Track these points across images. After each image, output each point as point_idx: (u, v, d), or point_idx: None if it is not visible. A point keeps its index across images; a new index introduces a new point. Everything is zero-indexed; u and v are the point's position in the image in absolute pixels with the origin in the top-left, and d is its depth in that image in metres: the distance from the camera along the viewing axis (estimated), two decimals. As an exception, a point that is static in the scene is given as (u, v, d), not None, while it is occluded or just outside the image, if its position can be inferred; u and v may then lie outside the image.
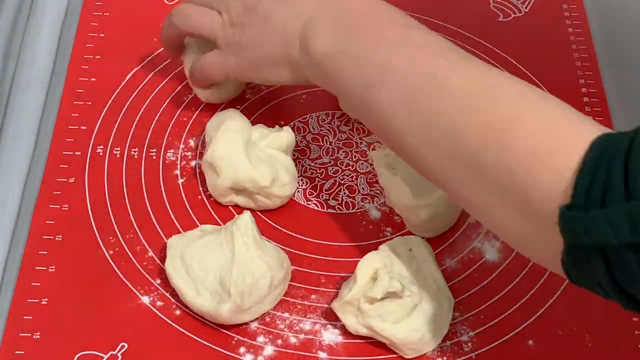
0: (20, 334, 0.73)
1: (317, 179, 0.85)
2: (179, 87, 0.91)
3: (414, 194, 0.77)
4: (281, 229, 0.81)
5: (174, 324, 0.75)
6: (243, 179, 0.79)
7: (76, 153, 0.85)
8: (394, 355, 0.73)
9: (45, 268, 0.77)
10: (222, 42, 0.80)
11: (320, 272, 0.78)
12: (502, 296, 0.77)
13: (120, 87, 0.90)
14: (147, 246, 0.79)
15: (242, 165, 0.79)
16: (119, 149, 0.86)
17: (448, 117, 0.63)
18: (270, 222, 0.81)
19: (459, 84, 0.64)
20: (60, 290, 0.76)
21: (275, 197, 0.80)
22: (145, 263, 0.78)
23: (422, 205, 0.77)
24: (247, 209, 0.81)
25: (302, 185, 0.84)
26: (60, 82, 0.91)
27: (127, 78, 0.91)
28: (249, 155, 0.79)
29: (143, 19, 0.96)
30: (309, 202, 0.83)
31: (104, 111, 0.88)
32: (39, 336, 0.73)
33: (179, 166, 0.85)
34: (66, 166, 0.84)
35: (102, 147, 0.86)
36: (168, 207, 0.82)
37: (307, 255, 0.79)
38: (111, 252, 0.79)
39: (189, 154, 0.86)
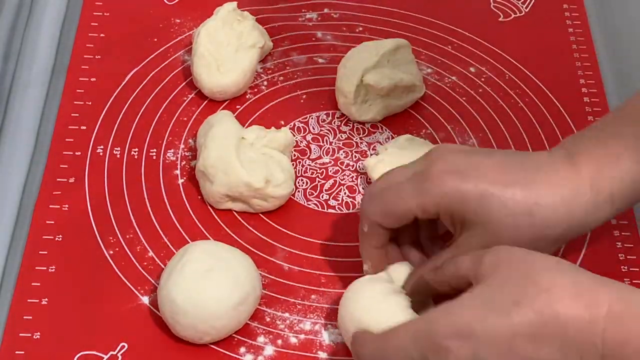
0: (20, 334, 0.73)
1: (317, 179, 0.85)
2: (179, 87, 0.91)
3: None
4: (281, 229, 0.81)
5: (174, 324, 0.75)
6: (237, 183, 0.79)
7: (76, 153, 0.85)
8: (394, 355, 0.73)
9: (45, 268, 0.77)
10: None
11: (320, 272, 0.78)
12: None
13: (120, 87, 0.90)
14: (147, 246, 0.79)
15: (235, 170, 0.78)
16: (119, 149, 0.86)
17: None
18: (270, 222, 0.81)
19: None
20: (60, 290, 0.76)
21: (271, 198, 0.80)
22: (145, 263, 0.78)
23: None
24: (246, 213, 0.81)
25: (302, 185, 0.84)
26: (60, 82, 0.91)
27: (127, 78, 0.91)
28: (241, 158, 0.79)
29: (143, 19, 0.96)
30: (309, 202, 0.83)
31: (104, 111, 0.88)
32: (39, 336, 0.73)
33: (179, 166, 0.85)
34: (66, 166, 0.84)
35: (102, 147, 0.86)
36: (168, 207, 0.82)
37: (307, 255, 0.79)
38: (111, 252, 0.79)
39: (189, 154, 0.86)
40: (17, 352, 0.72)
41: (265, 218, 0.82)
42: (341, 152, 0.87)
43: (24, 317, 0.74)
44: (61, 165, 0.84)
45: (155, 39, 0.94)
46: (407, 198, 0.69)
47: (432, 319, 0.62)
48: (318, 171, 0.85)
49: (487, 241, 0.66)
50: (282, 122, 0.88)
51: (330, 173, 0.85)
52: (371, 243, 0.72)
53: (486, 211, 0.67)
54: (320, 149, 0.87)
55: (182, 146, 0.86)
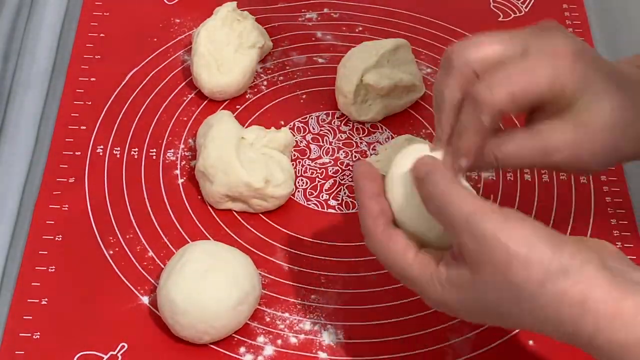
0: (20, 334, 0.73)
1: (317, 179, 0.85)
2: (179, 87, 0.91)
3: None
4: (281, 229, 0.81)
5: (174, 324, 0.75)
6: (237, 183, 0.79)
7: (76, 153, 0.85)
8: (394, 356, 0.73)
9: (45, 268, 0.77)
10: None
11: (320, 272, 0.78)
12: (502, 296, 0.77)
13: (120, 87, 0.90)
14: (147, 246, 0.79)
15: (235, 170, 0.79)
16: (119, 149, 0.86)
17: None
18: (270, 222, 0.81)
19: None
20: (60, 290, 0.76)
21: (271, 198, 0.80)
22: (145, 263, 0.78)
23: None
24: (246, 213, 0.81)
25: (302, 185, 0.84)
26: (60, 82, 0.91)
27: (127, 78, 0.91)
28: (241, 158, 0.79)
29: (143, 19, 0.96)
30: (309, 202, 0.83)
31: (104, 111, 0.88)
32: (39, 336, 0.73)
33: (179, 166, 0.85)
34: (66, 166, 0.84)
35: (102, 147, 0.86)
36: (168, 207, 0.82)
37: (307, 255, 0.79)
38: (111, 252, 0.79)
39: (189, 154, 0.86)
40: (17, 352, 0.72)
41: (265, 218, 0.82)
42: (341, 152, 0.87)
43: (24, 317, 0.74)
44: (61, 165, 0.84)
45: (155, 39, 0.94)
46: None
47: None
48: (318, 171, 0.85)
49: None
50: (282, 122, 0.88)
51: (330, 173, 0.85)
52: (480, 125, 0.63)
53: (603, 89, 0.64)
54: (320, 149, 0.87)
55: (182, 146, 0.86)
